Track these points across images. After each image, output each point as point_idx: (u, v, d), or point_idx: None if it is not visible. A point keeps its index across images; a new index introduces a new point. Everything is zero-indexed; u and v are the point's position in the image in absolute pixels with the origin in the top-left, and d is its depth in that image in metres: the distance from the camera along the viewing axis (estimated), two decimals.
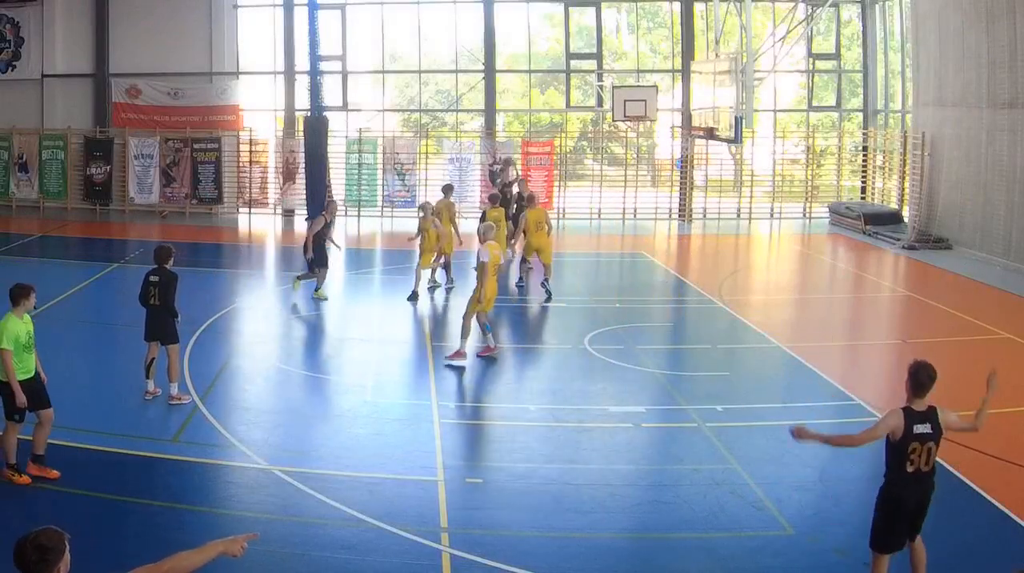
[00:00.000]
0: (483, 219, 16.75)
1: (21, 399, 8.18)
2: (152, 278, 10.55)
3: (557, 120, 30.02)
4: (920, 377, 6.26)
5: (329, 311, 16.38)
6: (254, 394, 11.41)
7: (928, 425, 6.15)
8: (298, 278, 16.47)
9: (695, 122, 24.96)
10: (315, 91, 26.11)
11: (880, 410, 10.55)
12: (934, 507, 7.23)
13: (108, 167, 26.83)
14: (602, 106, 27.37)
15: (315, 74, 26.10)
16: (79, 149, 26.95)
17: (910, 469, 6.12)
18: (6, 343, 8.09)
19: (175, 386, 10.59)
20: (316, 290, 16.05)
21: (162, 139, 26.72)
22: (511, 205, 18.94)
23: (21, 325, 8.26)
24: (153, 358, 10.68)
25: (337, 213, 17.01)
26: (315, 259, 15.96)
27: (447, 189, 18.37)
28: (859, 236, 24.05)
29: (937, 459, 6.45)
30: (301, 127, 26.47)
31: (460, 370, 12.19)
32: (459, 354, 12.29)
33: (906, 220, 24.10)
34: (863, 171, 27.55)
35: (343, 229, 25.54)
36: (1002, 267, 19.51)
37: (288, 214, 26.94)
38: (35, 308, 8.66)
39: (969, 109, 21.04)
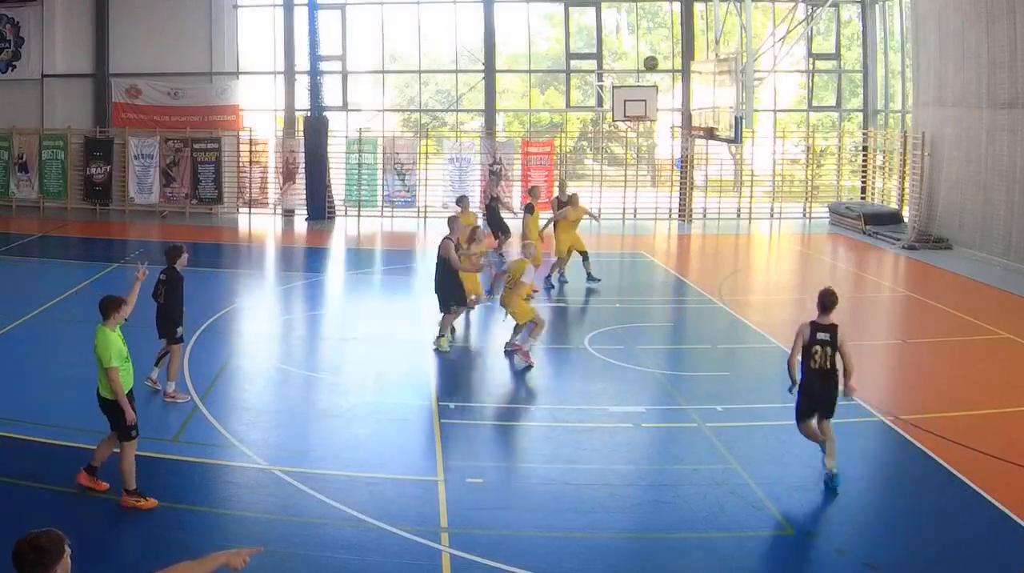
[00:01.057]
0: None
1: (131, 415, 7.92)
2: (161, 276, 10.66)
3: (557, 120, 30.03)
4: (825, 300, 8.35)
5: (329, 311, 16.39)
6: (254, 394, 11.40)
7: (828, 334, 8.24)
8: (441, 336, 13.10)
9: (695, 122, 24.96)
10: (315, 91, 26.19)
11: (880, 410, 10.58)
12: (933, 506, 8.13)
13: (108, 167, 26.84)
14: (602, 106, 27.38)
15: (315, 74, 26.17)
16: (79, 149, 26.96)
17: (813, 366, 8.22)
18: (116, 361, 7.84)
19: (172, 384, 10.62)
20: (439, 336, 12.99)
21: (162, 139, 26.73)
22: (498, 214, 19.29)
23: (118, 338, 8.01)
24: (166, 352, 10.80)
25: (460, 230, 13.60)
26: (451, 296, 13.10)
27: (464, 202, 16.76)
28: (859, 236, 24.05)
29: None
30: (301, 127, 26.54)
31: (460, 370, 12.27)
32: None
33: (906, 220, 24.10)
34: (863, 171, 27.55)
35: (343, 229, 25.58)
36: (1002, 267, 19.50)
37: (288, 214, 26.94)
38: (122, 317, 8.23)
39: (969, 109, 21.04)
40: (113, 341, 7.90)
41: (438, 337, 12.96)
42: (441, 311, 13.11)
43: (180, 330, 10.70)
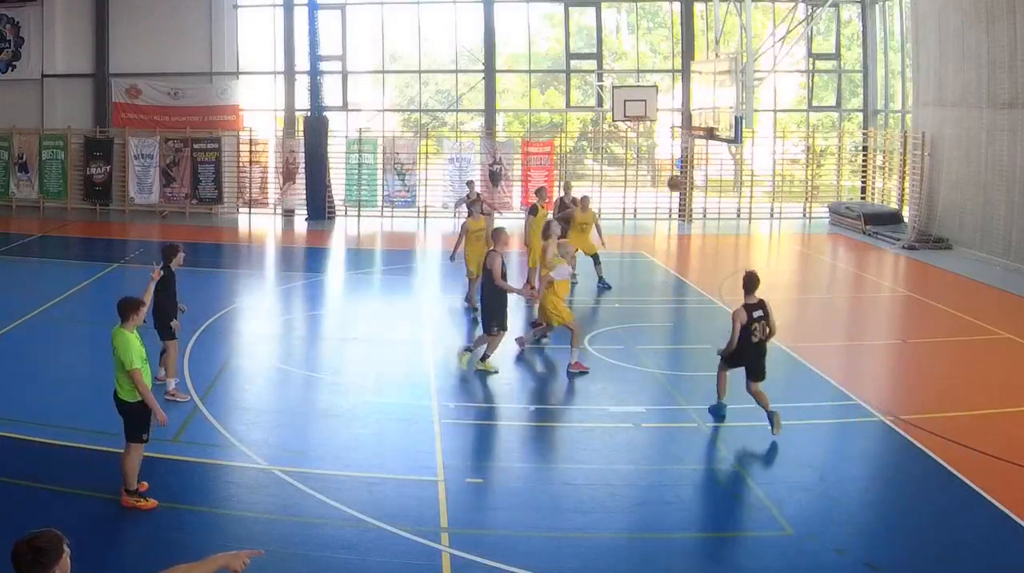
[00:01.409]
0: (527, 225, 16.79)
1: (162, 415, 7.89)
2: None
3: (557, 120, 30.03)
4: (748, 283, 9.88)
5: (329, 311, 16.39)
6: (254, 394, 11.40)
7: (760, 310, 9.74)
8: (467, 350, 12.63)
9: (695, 122, 24.95)
10: (315, 91, 26.20)
11: (880, 410, 10.58)
12: (933, 506, 8.18)
13: (108, 167, 26.84)
14: (602, 106, 27.38)
15: (315, 74, 26.18)
16: (79, 149, 26.96)
17: (754, 339, 9.69)
18: (138, 362, 7.78)
19: (172, 382, 10.63)
20: (484, 359, 12.13)
21: (162, 139, 26.73)
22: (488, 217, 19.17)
23: (136, 339, 7.91)
24: (163, 350, 10.82)
25: (507, 243, 12.73)
26: (494, 316, 12.20)
27: (475, 206, 16.34)
28: (859, 236, 24.05)
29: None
30: (301, 127, 26.54)
31: (460, 370, 12.32)
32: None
33: (906, 220, 24.10)
34: (863, 171, 27.55)
35: (343, 229, 25.58)
36: (1002, 267, 19.50)
37: (288, 214, 26.94)
38: (141, 318, 8.08)
39: (969, 109, 21.04)
40: (133, 342, 7.86)
41: (463, 349, 12.59)
42: (484, 331, 12.40)
43: (173, 323, 10.70)
